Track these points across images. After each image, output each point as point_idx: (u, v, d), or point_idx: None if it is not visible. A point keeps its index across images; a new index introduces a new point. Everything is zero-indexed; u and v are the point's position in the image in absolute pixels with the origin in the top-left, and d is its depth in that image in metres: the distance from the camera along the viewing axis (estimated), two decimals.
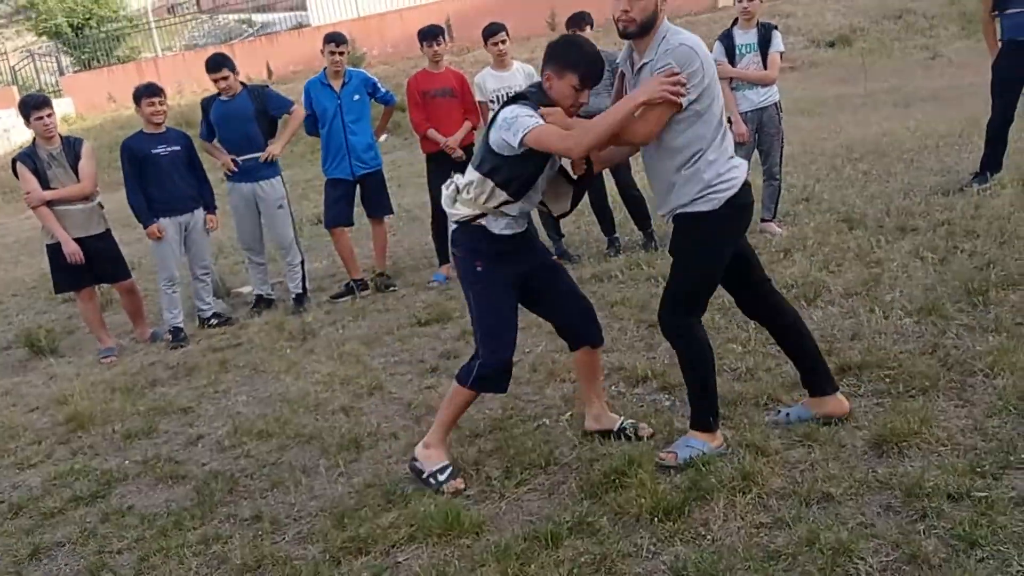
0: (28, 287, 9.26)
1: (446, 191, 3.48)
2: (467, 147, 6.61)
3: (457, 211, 3.41)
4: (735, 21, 6.26)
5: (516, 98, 3.30)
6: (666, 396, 3.95)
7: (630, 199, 6.57)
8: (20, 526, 3.69)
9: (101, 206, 6.25)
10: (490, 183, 3.28)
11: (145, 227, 6.21)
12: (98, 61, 27.18)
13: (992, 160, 6.48)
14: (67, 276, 6.11)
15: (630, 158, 6.49)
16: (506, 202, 3.32)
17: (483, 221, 3.36)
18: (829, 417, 3.38)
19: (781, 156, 6.37)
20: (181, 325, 6.30)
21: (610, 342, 4.73)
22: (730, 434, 3.41)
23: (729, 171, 3.15)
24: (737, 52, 6.17)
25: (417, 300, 6.27)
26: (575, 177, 3.48)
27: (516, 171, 3.26)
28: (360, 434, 4.04)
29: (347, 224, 6.79)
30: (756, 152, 6.33)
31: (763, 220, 6.37)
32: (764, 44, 6.11)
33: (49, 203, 5.94)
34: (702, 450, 3.26)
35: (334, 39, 6.49)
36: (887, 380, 3.67)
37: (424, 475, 3.45)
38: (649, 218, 6.59)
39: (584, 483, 3.25)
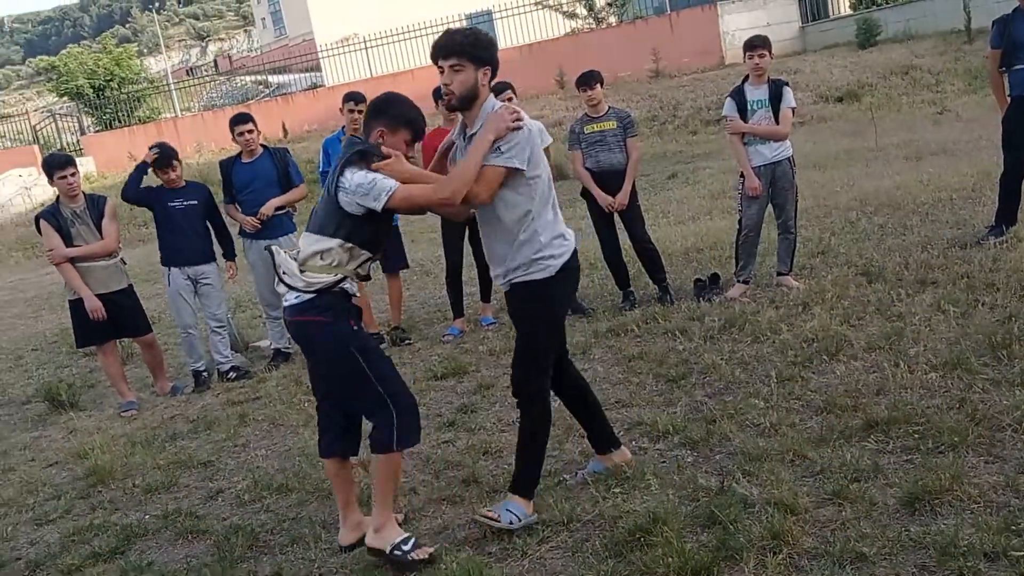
0: (48, 341, 9.31)
1: (285, 265, 3.35)
2: None
3: (317, 279, 3.31)
4: (746, 78, 6.34)
5: (355, 160, 3.27)
6: (689, 452, 3.91)
7: (644, 253, 6.60)
8: None
9: (123, 262, 6.33)
10: (350, 245, 3.32)
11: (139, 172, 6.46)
12: (119, 121, 27.74)
13: (1007, 214, 6.49)
14: (89, 331, 6.15)
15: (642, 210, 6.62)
16: (368, 260, 3.41)
17: (344, 284, 3.36)
18: (619, 468, 3.71)
19: (796, 210, 6.40)
20: (202, 369, 6.43)
21: (628, 396, 4.73)
22: (756, 491, 3.36)
23: (561, 237, 3.40)
24: (749, 108, 6.23)
25: (432, 354, 6.27)
26: None
27: (373, 226, 3.34)
28: None
29: (364, 279, 6.81)
30: (771, 206, 6.38)
31: (779, 274, 6.37)
32: (775, 100, 6.17)
33: (72, 260, 6.02)
34: (520, 517, 3.39)
35: (353, 98, 6.60)
36: (916, 436, 3.62)
37: (389, 552, 3.25)
38: (664, 271, 6.62)
39: (608, 541, 3.21)
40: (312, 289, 3.31)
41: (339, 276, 3.32)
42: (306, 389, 5.87)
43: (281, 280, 3.36)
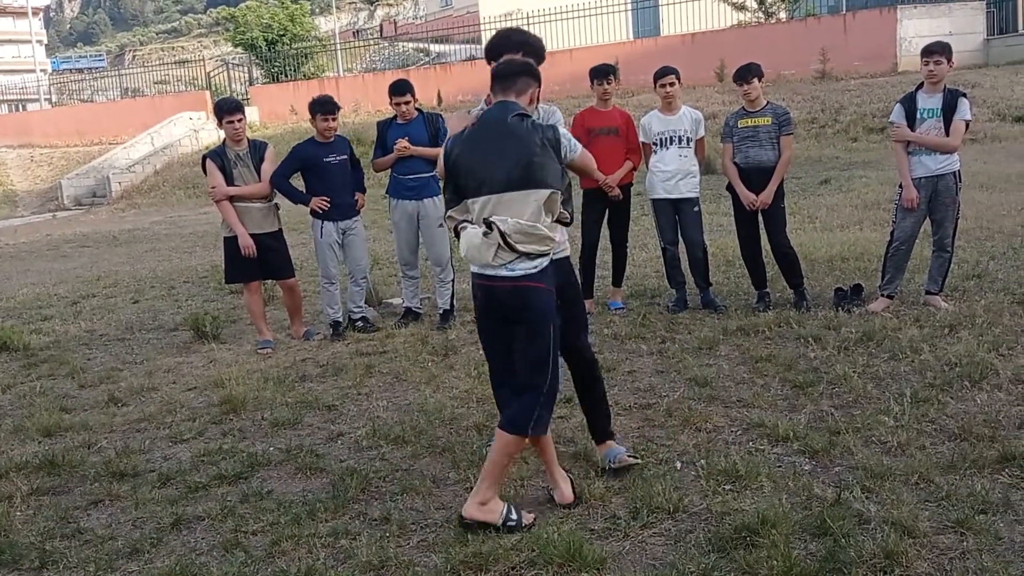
0: (199, 276, 9.94)
1: (546, 228, 3.29)
2: (624, 186, 6.65)
3: (559, 242, 3.43)
4: (920, 85, 6.01)
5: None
6: (807, 460, 3.79)
7: (781, 257, 6.40)
8: (166, 496, 3.91)
9: (277, 207, 6.65)
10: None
11: (306, 204, 6.53)
12: (285, 75, 28.97)
13: None
14: (238, 268, 6.50)
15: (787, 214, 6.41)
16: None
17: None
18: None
19: (955, 228, 6.04)
20: (340, 319, 6.74)
21: (750, 397, 4.62)
22: (874, 508, 3.24)
23: None
24: (918, 116, 5.91)
25: None
26: None
27: (566, 192, 3.46)
28: None
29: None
30: (928, 222, 6.06)
31: (928, 292, 6.06)
32: (949, 110, 5.82)
33: (231, 199, 6.37)
34: None
35: None
36: None
37: (502, 524, 3.31)
38: (802, 277, 6.40)
39: (713, 536, 3.16)
40: (556, 257, 3.47)
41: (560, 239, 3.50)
42: (431, 349, 6.05)
43: (512, 248, 3.26)
